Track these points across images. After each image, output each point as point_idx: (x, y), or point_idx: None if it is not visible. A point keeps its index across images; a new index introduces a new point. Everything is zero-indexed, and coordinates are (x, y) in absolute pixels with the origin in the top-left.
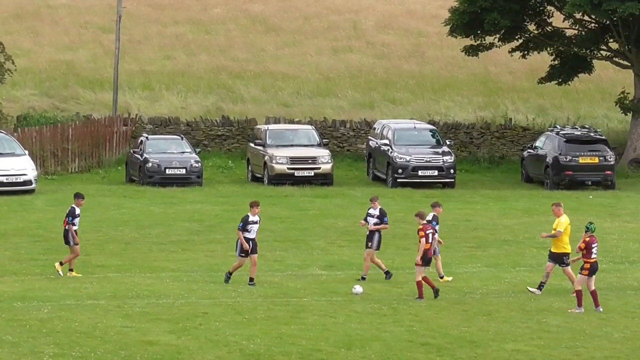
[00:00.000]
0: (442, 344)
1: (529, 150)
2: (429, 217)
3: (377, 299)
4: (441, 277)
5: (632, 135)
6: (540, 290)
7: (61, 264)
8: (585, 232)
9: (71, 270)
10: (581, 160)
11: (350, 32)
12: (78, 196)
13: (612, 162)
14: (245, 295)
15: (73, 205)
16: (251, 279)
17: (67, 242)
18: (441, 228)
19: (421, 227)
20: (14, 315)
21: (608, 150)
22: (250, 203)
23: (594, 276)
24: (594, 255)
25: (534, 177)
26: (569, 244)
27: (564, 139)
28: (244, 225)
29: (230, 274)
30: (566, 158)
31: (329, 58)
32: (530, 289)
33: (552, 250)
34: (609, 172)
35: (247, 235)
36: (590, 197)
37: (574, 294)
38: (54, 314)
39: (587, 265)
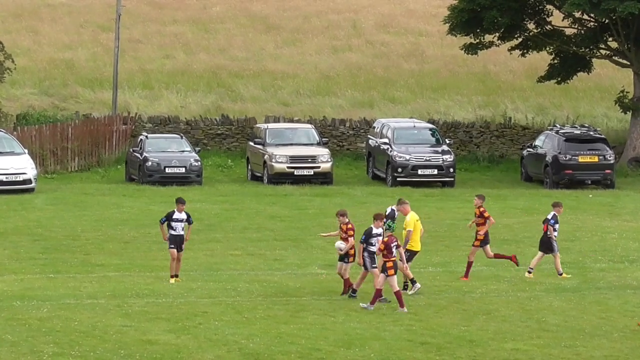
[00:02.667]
0: (442, 343)
1: (528, 149)
2: (549, 216)
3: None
4: (560, 274)
5: (631, 134)
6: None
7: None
8: (385, 231)
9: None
10: (581, 159)
11: (349, 31)
12: (180, 201)
13: (611, 161)
14: (244, 295)
15: (174, 209)
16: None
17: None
18: (440, 227)
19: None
20: (14, 314)
21: (607, 149)
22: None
23: (395, 276)
24: (394, 255)
25: (533, 176)
26: (418, 240)
27: (564, 138)
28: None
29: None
30: (566, 157)
31: (329, 57)
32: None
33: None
34: (608, 171)
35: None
36: (590, 196)
37: (374, 294)
38: (54, 313)
39: (390, 264)
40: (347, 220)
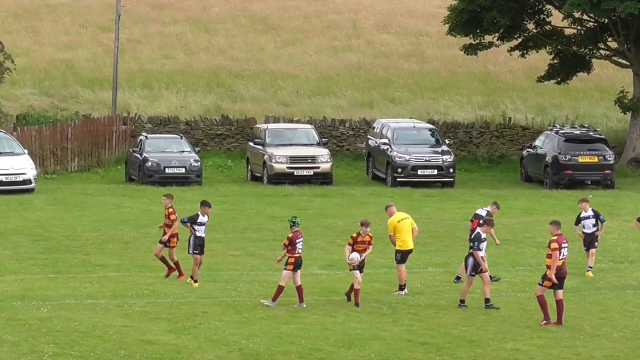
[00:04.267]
0: (442, 343)
1: (528, 149)
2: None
3: (377, 299)
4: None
5: (631, 134)
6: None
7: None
8: (291, 227)
9: (193, 279)
10: (580, 159)
11: (349, 31)
12: (205, 204)
13: (611, 162)
14: (244, 295)
15: (198, 213)
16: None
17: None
18: (440, 228)
19: (555, 238)
20: (14, 315)
21: (607, 149)
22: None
23: (299, 271)
24: (298, 251)
25: (533, 176)
26: (408, 240)
27: (564, 138)
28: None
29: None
30: (565, 157)
31: (329, 57)
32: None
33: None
34: (608, 171)
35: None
36: (590, 196)
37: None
38: (54, 313)
39: (292, 260)
40: (368, 230)
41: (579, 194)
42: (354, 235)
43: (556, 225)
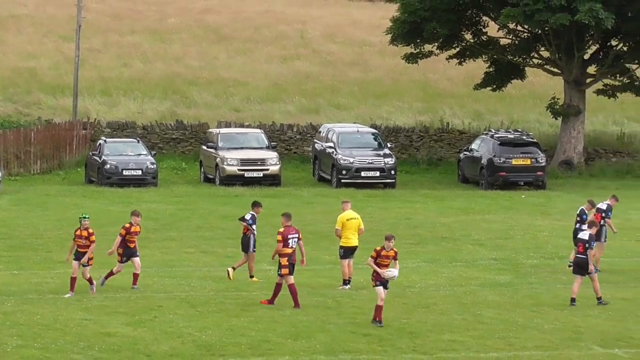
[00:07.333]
0: (384, 334)
1: (465, 152)
2: (602, 206)
3: (322, 293)
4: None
5: (561, 138)
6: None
7: (234, 268)
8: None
9: (252, 276)
10: (514, 161)
11: (298, 41)
12: (257, 204)
13: (543, 164)
14: (198, 289)
15: (252, 213)
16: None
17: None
18: (382, 226)
19: (281, 230)
20: None
21: (539, 152)
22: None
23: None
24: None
25: (469, 177)
26: (352, 238)
27: (498, 142)
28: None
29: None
30: (500, 160)
31: (278, 66)
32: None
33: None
34: (540, 173)
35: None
36: (523, 196)
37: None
38: (17, 307)
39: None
40: (392, 244)
41: (513, 194)
42: (378, 248)
43: (287, 217)
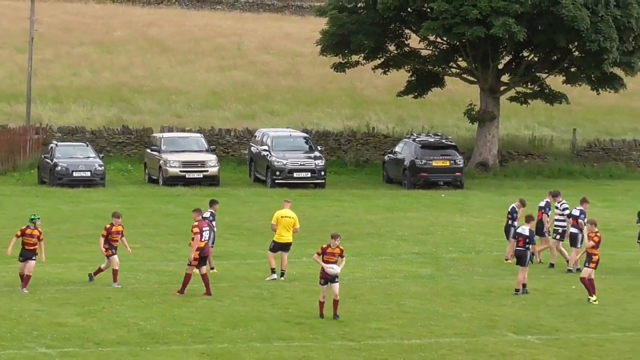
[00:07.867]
0: (315, 323)
1: (389, 154)
2: (575, 212)
3: (258, 285)
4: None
5: (478, 142)
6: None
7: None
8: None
9: (212, 268)
10: (434, 163)
11: (234, 52)
12: (214, 202)
13: (461, 165)
14: (143, 282)
15: (211, 210)
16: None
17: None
18: (313, 223)
19: (196, 223)
20: None
21: (457, 154)
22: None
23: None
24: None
25: (393, 178)
26: (284, 235)
27: (420, 145)
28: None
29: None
30: (421, 161)
31: (216, 75)
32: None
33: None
34: (458, 173)
35: None
36: (442, 195)
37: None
38: None
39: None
40: (338, 242)
41: (433, 193)
42: (324, 246)
43: (198, 212)
